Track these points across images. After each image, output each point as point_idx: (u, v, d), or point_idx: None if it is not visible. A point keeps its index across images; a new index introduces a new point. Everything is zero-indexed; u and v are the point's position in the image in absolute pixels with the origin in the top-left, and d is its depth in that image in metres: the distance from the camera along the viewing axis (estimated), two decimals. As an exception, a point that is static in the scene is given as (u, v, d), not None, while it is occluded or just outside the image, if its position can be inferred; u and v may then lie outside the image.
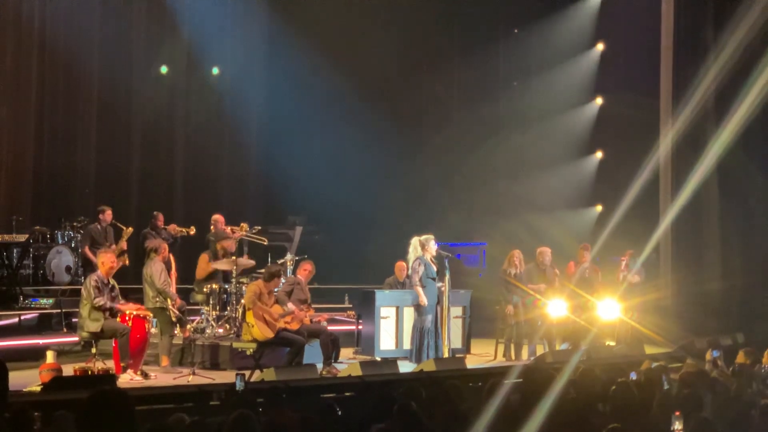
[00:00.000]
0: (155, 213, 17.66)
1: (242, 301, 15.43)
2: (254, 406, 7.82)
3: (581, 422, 7.66)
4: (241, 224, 17.07)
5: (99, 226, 17.31)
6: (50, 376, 11.52)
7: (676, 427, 7.45)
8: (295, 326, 14.18)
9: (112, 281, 13.67)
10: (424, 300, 15.24)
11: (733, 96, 18.72)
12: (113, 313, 13.42)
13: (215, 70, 23.06)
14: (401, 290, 16.83)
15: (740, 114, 18.47)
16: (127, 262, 15.93)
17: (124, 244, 16.56)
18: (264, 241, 17.40)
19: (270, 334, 13.82)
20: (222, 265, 16.34)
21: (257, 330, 13.75)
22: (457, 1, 23.82)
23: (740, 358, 11.91)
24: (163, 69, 22.30)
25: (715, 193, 19.93)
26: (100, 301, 13.21)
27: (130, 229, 16.79)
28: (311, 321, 14.67)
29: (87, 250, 17.27)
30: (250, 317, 13.82)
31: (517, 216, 21.77)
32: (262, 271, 15.43)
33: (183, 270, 16.40)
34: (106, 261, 13.66)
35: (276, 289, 14.59)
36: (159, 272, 14.26)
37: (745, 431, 8.00)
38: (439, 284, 15.59)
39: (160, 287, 14.15)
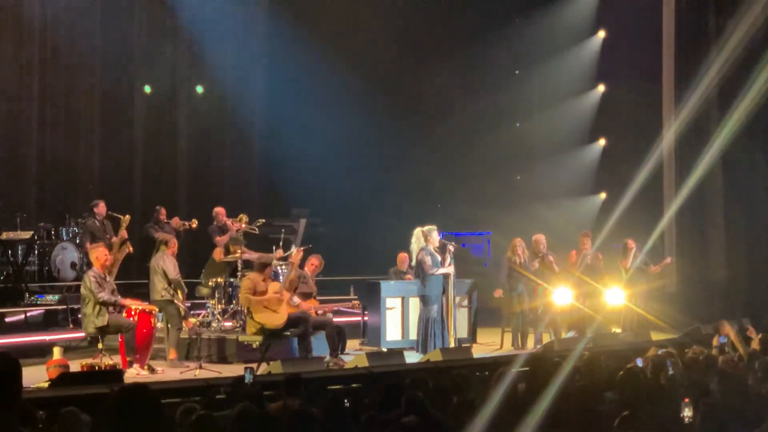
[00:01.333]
0: (157, 207, 17.65)
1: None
2: (260, 399, 7.83)
3: (588, 409, 7.67)
4: (240, 216, 17.03)
5: (96, 221, 17.28)
6: (57, 372, 11.53)
7: (685, 414, 7.45)
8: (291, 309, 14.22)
9: (110, 278, 13.69)
10: (450, 267, 15.31)
11: (738, 83, 18.68)
12: (118, 307, 13.45)
13: (200, 89, 23.04)
14: (406, 281, 16.84)
15: (745, 102, 18.44)
16: (131, 249, 15.87)
17: (124, 233, 16.47)
18: (255, 230, 17.32)
19: (280, 321, 13.81)
20: (228, 258, 16.37)
21: (268, 323, 13.71)
22: (458, -10, 23.84)
23: (755, 344, 11.91)
24: (147, 89, 22.27)
25: (720, 180, 19.90)
26: (104, 296, 13.22)
27: (128, 217, 16.70)
28: (317, 313, 14.68)
29: (88, 246, 17.25)
30: (256, 315, 13.77)
31: (522, 204, 21.76)
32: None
33: (186, 265, 16.39)
34: (100, 256, 13.69)
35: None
36: (172, 265, 14.30)
37: (752, 417, 8.00)
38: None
39: (174, 278, 14.19)
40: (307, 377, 10.33)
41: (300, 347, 14.11)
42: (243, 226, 16.93)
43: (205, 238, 17.45)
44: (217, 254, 16.65)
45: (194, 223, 17.61)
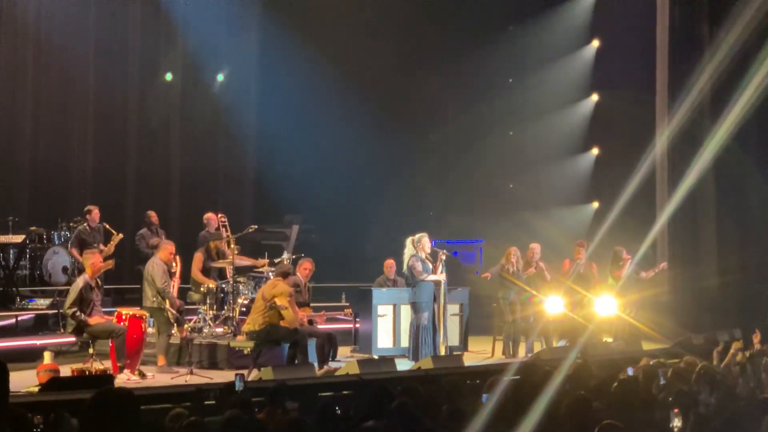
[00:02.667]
0: (148, 212, 17.47)
1: (239, 300, 15.47)
2: (249, 406, 7.81)
3: (578, 418, 7.66)
4: (233, 247, 16.59)
5: (88, 227, 17.18)
6: (48, 376, 11.52)
7: (675, 424, 7.45)
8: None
9: (99, 283, 13.68)
10: (442, 275, 15.29)
11: (730, 92, 18.70)
12: (83, 323, 13.34)
13: (220, 77, 23.04)
14: (398, 288, 16.82)
15: (737, 110, 18.46)
16: (112, 266, 15.76)
17: (111, 248, 16.36)
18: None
19: (296, 324, 13.79)
20: (219, 264, 16.31)
21: (290, 313, 13.64)
22: (452, -2, 23.84)
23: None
24: (168, 76, 22.27)
25: (712, 189, 19.94)
26: (71, 312, 13.21)
27: (120, 236, 16.53)
28: (310, 322, 14.64)
29: (74, 251, 17.17)
30: (284, 302, 13.66)
31: (514, 213, 21.77)
32: (262, 270, 15.50)
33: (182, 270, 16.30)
34: (95, 262, 13.65)
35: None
36: (160, 273, 14.22)
37: (744, 426, 8.00)
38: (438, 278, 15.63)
39: (160, 288, 14.10)
40: (297, 384, 10.33)
41: (296, 358, 14.04)
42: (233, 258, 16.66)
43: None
44: (196, 272, 16.44)
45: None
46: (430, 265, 15.51)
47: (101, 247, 16.40)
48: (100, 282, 13.79)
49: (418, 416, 7.53)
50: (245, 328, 14.11)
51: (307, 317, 14.65)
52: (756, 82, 18.24)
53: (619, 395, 8.34)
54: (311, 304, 15.79)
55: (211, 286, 15.94)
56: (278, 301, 13.70)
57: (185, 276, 16.33)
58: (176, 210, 21.83)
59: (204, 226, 17.16)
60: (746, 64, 18.63)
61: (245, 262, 16.71)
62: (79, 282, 13.45)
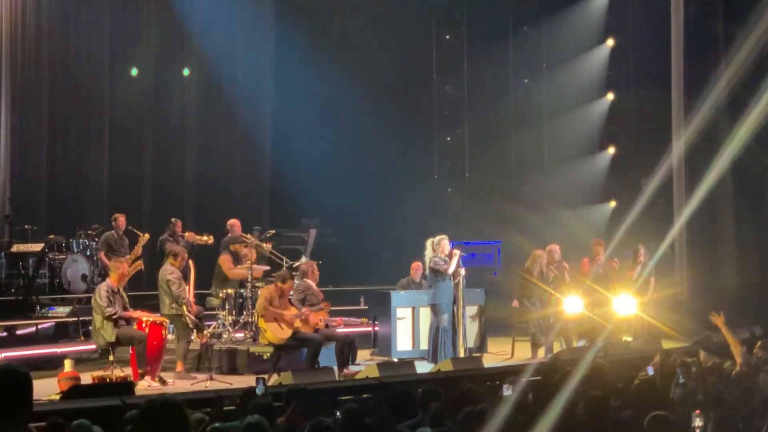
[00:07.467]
0: (173, 219, 17.41)
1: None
2: (270, 411, 7.83)
3: (596, 418, 7.66)
4: (205, 235, 16.66)
5: (115, 234, 17.32)
6: (69, 384, 11.56)
7: (696, 424, 7.45)
8: (308, 329, 14.19)
9: (122, 291, 13.71)
10: (457, 256, 15.31)
11: (748, 90, 18.61)
12: (128, 321, 13.45)
13: (186, 71, 22.98)
14: (417, 291, 16.82)
15: (755, 109, 18.37)
16: (142, 267, 15.91)
17: (139, 250, 16.59)
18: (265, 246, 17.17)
19: (284, 336, 13.81)
20: (239, 270, 16.30)
21: (270, 333, 13.77)
22: (466, -1, 23.88)
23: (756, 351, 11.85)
24: (134, 71, 22.22)
25: (730, 188, 19.83)
26: (111, 310, 13.25)
27: (147, 236, 16.83)
28: (326, 326, 14.63)
29: (102, 255, 17.25)
30: (261, 323, 13.86)
31: (531, 213, 21.73)
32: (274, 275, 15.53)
33: (199, 276, 16.34)
34: (123, 271, 13.70)
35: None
36: (175, 279, 14.25)
37: (762, 426, 7.99)
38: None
39: (176, 294, 14.12)
40: (316, 388, 10.33)
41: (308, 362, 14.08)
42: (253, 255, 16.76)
43: (217, 251, 17.29)
44: (229, 272, 16.46)
45: (210, 239, 17.36)
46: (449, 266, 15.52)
47: (127, 256, 16.51)
48: (122, 291, 13.80)
49: (443, 418, 7.55)
50: (261, 339, 14.22)
51: (324, 321, 14.65)
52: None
53: (639, 394, 8.33)
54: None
55: (230, 292, 15.94)
56: (260, 324, 13.87)
57: (206, 283, 16.41)
58: (193, 216, 21.85)
59: (227, 231, 17.14)
60: (764, 63, 18.54)
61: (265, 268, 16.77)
62: (102, 287, 13.47)
